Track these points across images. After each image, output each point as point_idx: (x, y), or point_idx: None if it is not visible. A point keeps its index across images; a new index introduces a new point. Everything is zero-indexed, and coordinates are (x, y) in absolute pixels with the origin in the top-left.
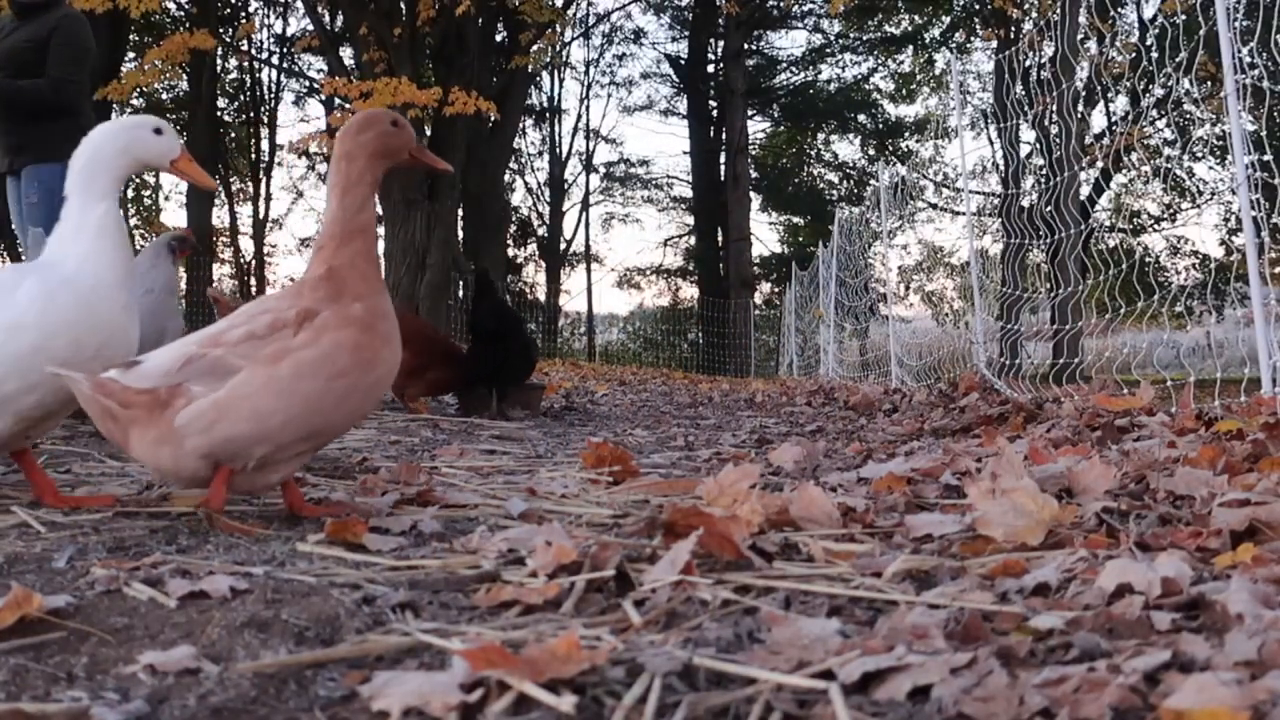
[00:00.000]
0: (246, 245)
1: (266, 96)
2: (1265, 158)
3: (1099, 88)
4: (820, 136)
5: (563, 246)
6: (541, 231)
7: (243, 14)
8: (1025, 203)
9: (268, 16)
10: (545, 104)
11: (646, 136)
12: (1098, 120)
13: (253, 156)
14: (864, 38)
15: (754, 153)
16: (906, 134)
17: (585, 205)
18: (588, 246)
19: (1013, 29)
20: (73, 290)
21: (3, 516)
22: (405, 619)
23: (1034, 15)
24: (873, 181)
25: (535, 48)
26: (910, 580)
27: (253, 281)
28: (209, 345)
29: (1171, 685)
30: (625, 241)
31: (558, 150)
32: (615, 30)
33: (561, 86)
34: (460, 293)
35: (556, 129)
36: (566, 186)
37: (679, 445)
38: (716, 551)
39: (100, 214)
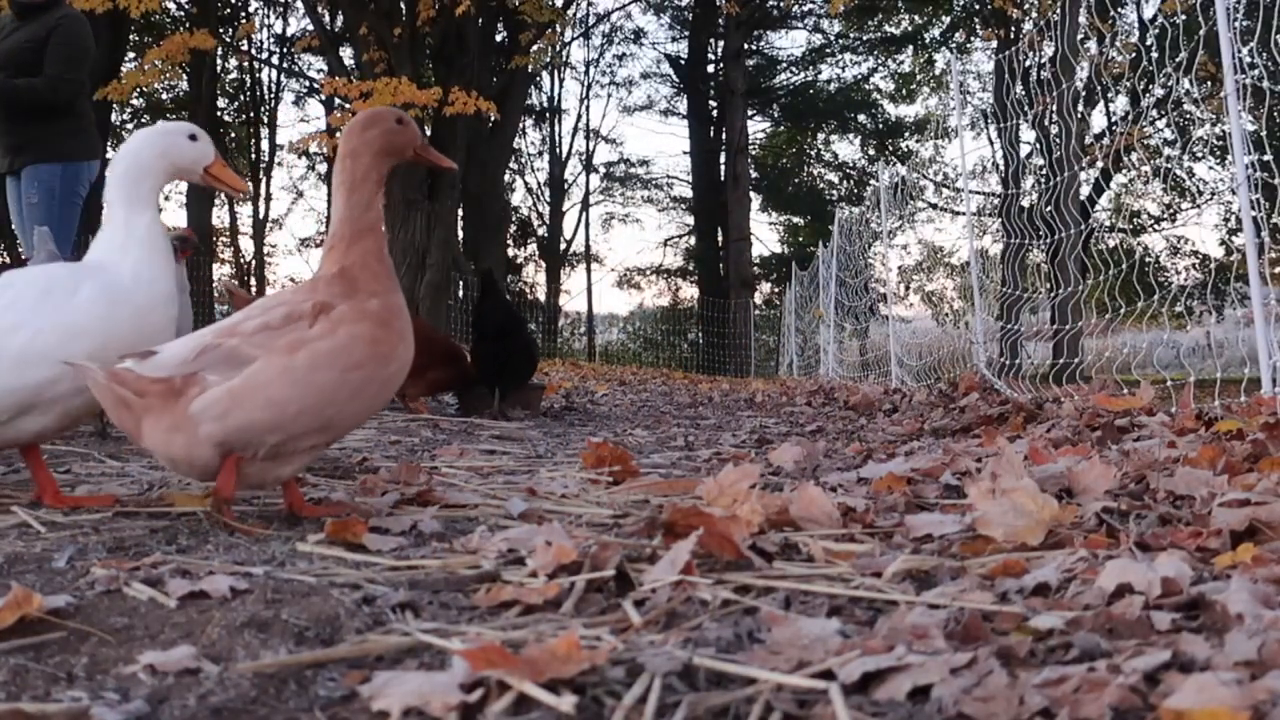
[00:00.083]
0: (246, 245)
1: (266, 96)
2: (1265, 158)
3: (1099, 88)
4: (820, 136)
5: (563, 246)
6: (541, 231)
7: (243, 14)
8: (1025, 203)
9: (268, 16)
10: (545, 104)
11: (646, 136)
12: (1098, 120)
13: (253, 156)
14: (864, 38)
15: (754, 153)
16: (906, 134)
17: (585, 205)
18: (588, 246)
19: (1013, 29)
20: (130, 300)
21: (3, 516)
22: (405, 619)
23: (1034, 15)
24: (873, 181)
25: (535, 48)
26: (910, 580)
27: (253, 281)
28: (224, 336)
29: (1171, 685)
30: (625, 241)
31: (558, 150)
32: (615, 30)
33: (561, 86)
34: (460, 293)
35: (556, 129)
36: (566, 186)
37: (679, 445)
38: (716, 551)
39: (147, 223)
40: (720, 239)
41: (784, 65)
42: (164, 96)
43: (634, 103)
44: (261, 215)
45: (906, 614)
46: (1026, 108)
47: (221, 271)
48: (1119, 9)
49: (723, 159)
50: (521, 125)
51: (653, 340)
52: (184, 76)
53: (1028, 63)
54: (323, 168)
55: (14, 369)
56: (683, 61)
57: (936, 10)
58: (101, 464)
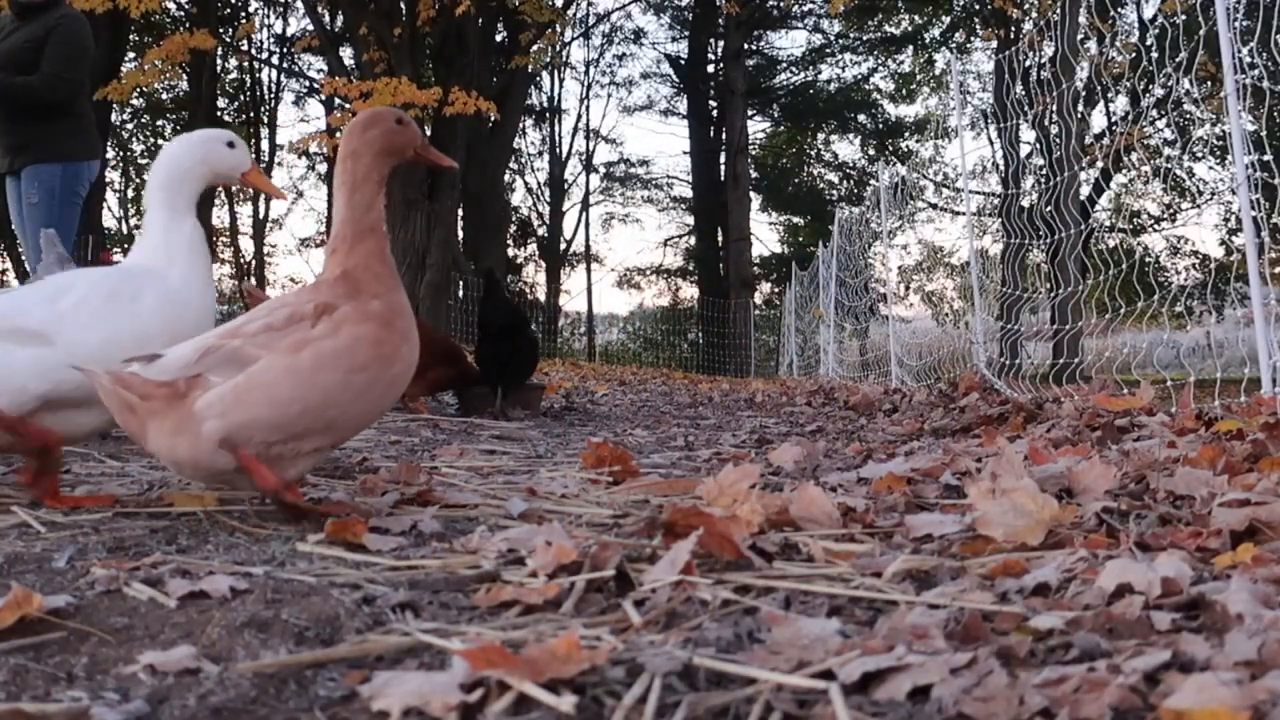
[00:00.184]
0: (246, 245)
1: (266, 96)
2: (1265, 158)
3: (1099, 88)
4: (820, 136)
5: (563, 246)
6: (541, 231)
7: (243, 14)
8: (1025, 203)
9: (268, 16)
10: (545, 104)
11: (646, 136)
12: (1098, 120)
13: (253, 156)
14: (864, 38)
15: (754, 153)
16: (906, 134)
17: (585, 205)
18: (588, 246)
19: (1013, 29)
20: (186, 306)
21: (3, 516)
22: (405, 619)
23: (1034, 15)
24: (873, 181)
25: (535, 48)
26: (910, 580)
27: (253, 282)
28: (227, 337)
29: (1171, 685)
30: (625, 241)
31: (558, 150)
32: (615, 30)
33: (561, 86)
34: (460, 293)
35: (556, 129)
36: (566, 186)
37: (679, 445)
38: (716, 551)
39: (190, 230)
40: (720, 239)
41: (784, 65)
42: (164, 96)
43: (634, 103)
44: (261, 215)
45: (906, 614)
46: (1026, 108)
47: (221, 272)
48: (1119, 9)
49: (723, 159)
50: (521, 125)
51: (653, 340)
52: (184, 76)
53: (1028, 63)
54: (323, 168)
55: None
56: (683, 61)
57: (936, 10)
58: (101, 464)
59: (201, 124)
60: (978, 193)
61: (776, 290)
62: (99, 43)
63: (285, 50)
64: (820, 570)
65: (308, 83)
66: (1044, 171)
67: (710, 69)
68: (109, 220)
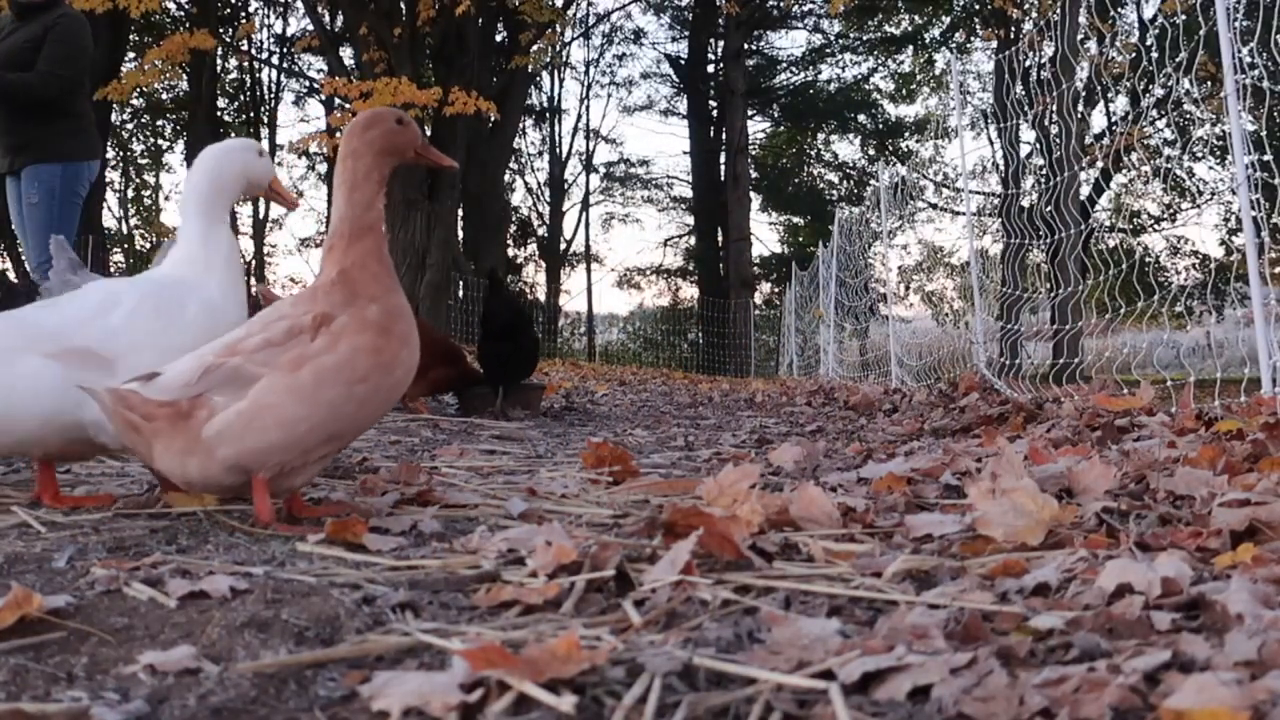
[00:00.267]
0: (246, 245)
1: (266, 96)
2: (1265, 158)
3: (1099, 88)
4: (820, 136)
5: (563, 246)
6: (541, 231)
7: (243, 14)
8: (1025, 203)
9: (268, 16)
10: (545, 104)
11: (646, 136)
12: (1098, 120)
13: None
14: (864, 38)
15: (754, 153)
16: (906, 134)
17: (585, 205)
18: (588, 246)
19: (1013, 29)
20: (226, 317)
21: (3, 516)
22: (405, 619)
23: (1034, 15)
24: (873, 181)
25: (535, 48)
26: (910, 580)
27: (252, 281)
28: (226, 354)
29: (1171, 685)
30: (625, 241)
31: (558, 150)
32: (615, 30)
33: (561, 86)
34: (460, 293)
35: (556, 129)
36: (566, 186)
37: (679, 445)
38: (716, 551)
39: (226, 239)
40: (720, 239)
41: (784, 65)
42: (164, 96)
43: (634, 103)
44: (261, 215)
45: (906, 614)
46: (1026, 108)
47: None
48: (1119, 9)
49: (723, 159)
50: (521, 125)
51: (653, 340)
52: (184, 76)
53: (1028, 63)
54: (323, 168)
55: None
56: (683, 61)
57: (936, 10)
58: (101, 464)
59: (201, 124)
60: (978, 193)
61: (776, 290)
62: (99, 43)
63: (285, 50)
64: (820, 570)
65: (308, 83)
66: (1044, 171)
67: (710, 69)
68: (109, 220)
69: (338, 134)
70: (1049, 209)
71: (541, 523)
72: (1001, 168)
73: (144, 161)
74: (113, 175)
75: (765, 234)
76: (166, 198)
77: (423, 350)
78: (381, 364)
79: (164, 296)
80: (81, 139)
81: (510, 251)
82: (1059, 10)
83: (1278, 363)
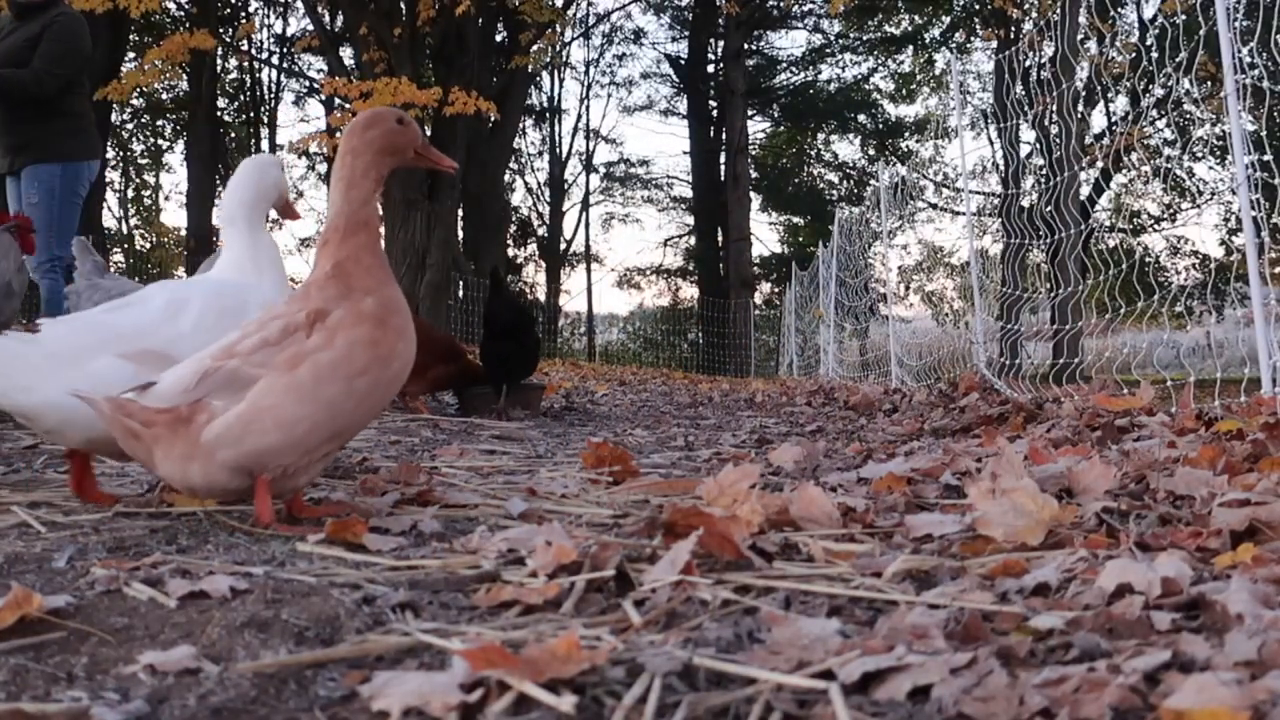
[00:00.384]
0: None
1: (266, 96)
2: (1265, 158)
3: (1099, 88)
4: (820, 136)
5: (563, 246)
6: (541, 231)
7: (243, 14)
8: (1025, 203)
9: (268, 16)
10: (545, 104)
11: (646, 136)
12: (1098, 120)
13: None
14: (864, 38)
15: (754, 153)
16: (906, 134)
17: (585, 205)
18: (588, 246)
19: (1013, 29)
20: None
21: (3, 516)
22: (405, 619)
23: (1034, 15)
24: (873, 181)
25: (535, 48)
26: (910, 580)
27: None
28: (223, 357)
29: (1171, 685)
30: (625, 241)
31: (558, 150)
32: (615, 30)
33: (561, 86)
34: (460, 293)
35: (556, 129)
36: (566, 186)
37: (679, 445)
38: (716, 551)
39: (270, 243)
40: (720, 239)
41: (784, 65)
42: (164, 96)
43: (634, 103)
44: None
45: (906, 614)
46: (1026, 108)
47: None
48: (1119, 9)
49: (723, 159)
50: (521, 125)
51: (653, 340)
52: (184, 76)
53: (1028, 63)
54: (323, 168)
55: None
56: (683, 61)
57: (936, 10)
58: (101, 464)
59: (201, 124)
60: (978, 193)
61: (776, 290)
62: (99, 43)
63: (285, 50)
64: (820, 570)
65: (308, 83)
66: (1044, 171)
67: (710, 69)
68: (109, 220)
69: (338, 134)
70: (1049, 209)
71: (541, 523)
72: (1001, 168)
73: (144, 161)
74: (113, 175)
75: (765, 234)
76: (166, 198)
77: (422, 348)
78: (379, 357)
79: (227, 299)
80: (81, 139)
81: (510, 251)
82: (1059, 10)
83: (1278, 363)
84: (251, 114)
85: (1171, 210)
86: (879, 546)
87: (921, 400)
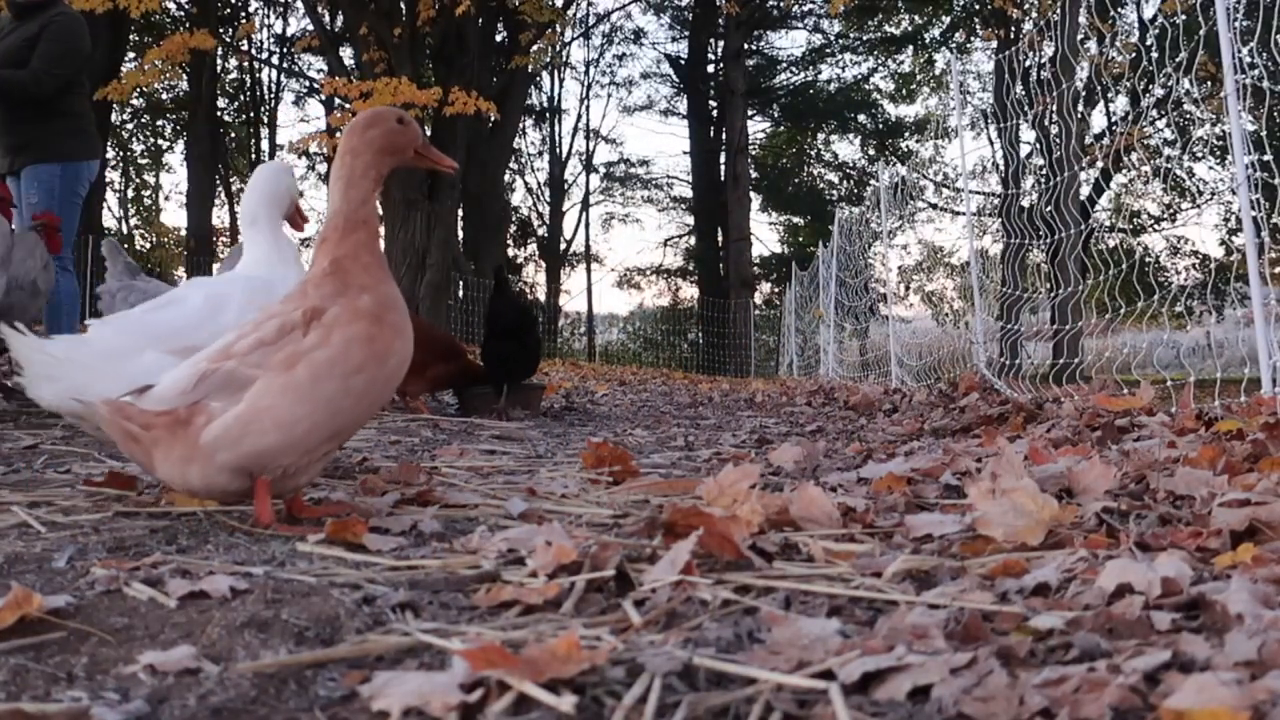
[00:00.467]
0: None
1: (266, 96)
2: (1265, 158)
3: (1099, 88)
4: (820, 136)
5: (563, 246)
6: (541, 231)
7: (243, 14)
8: (1025, 203)
9: (268, 16)
10: (545, 104)
11: (646, 136)
12: (1098, 120)
13: (253, 156)
14: (864, 38)
15: (754, 153)
16: (906, 134)
17: (585, 205)
18: (588, 246)
19: (1013, 29)
20: None
21: (3, 516)
22: (405, 619)
23: (1034, 15)
24: (873, 181)
25: (535, 48)
26: (910, 580)
27: None
28: (220, 359)
29: (1171, 685)
30: (625, 241)
31: (558, 150)
32: (615, 30)
33: (561, 86)
34: (460, 293)
35: (556, 129)
36: (566, 186)
37: (679, 445)
38: (716, 551)
39: (289, 241)
40: (720, 239)
41: (784, 65)
42: (164, 96)
43: (634, 103)
44: None
45: (906, 614)
46: (1026, 108)
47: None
48: (1119, 9)
49: (723, 159)
50: (521, 125)
51: (653, 340)
52: (184, 76)
53: (1028, 63)
54: (323, 168)
55: None
56: (683, 61)
57: (936, 10)
58: (101, 464)
59: (201, 124)
60: (978, 193)
61: (776, 290)
62: (99, 43)
63: (285, 50)
64: (820, 570)
65: (308, 83)
66: (1044, 171)
67: (710, 69)
68: (109, 220)
69: (338, 134)
70: (1049, 209)
71: (541, 523)
72: (1001, 168)
73: (144, 161)
74: (113, 175)
75: (765, 234)
76: (166, 198)
77: (421, 347)
78: (375, 354)
79: (261, 294)
80: (81, 139)
81: (510, 251)
82: (1059, 10)
83: (1278, 363)
84: (251, 114)
85: (1171, 210)
86: (879, 546)
87: (921, 400)
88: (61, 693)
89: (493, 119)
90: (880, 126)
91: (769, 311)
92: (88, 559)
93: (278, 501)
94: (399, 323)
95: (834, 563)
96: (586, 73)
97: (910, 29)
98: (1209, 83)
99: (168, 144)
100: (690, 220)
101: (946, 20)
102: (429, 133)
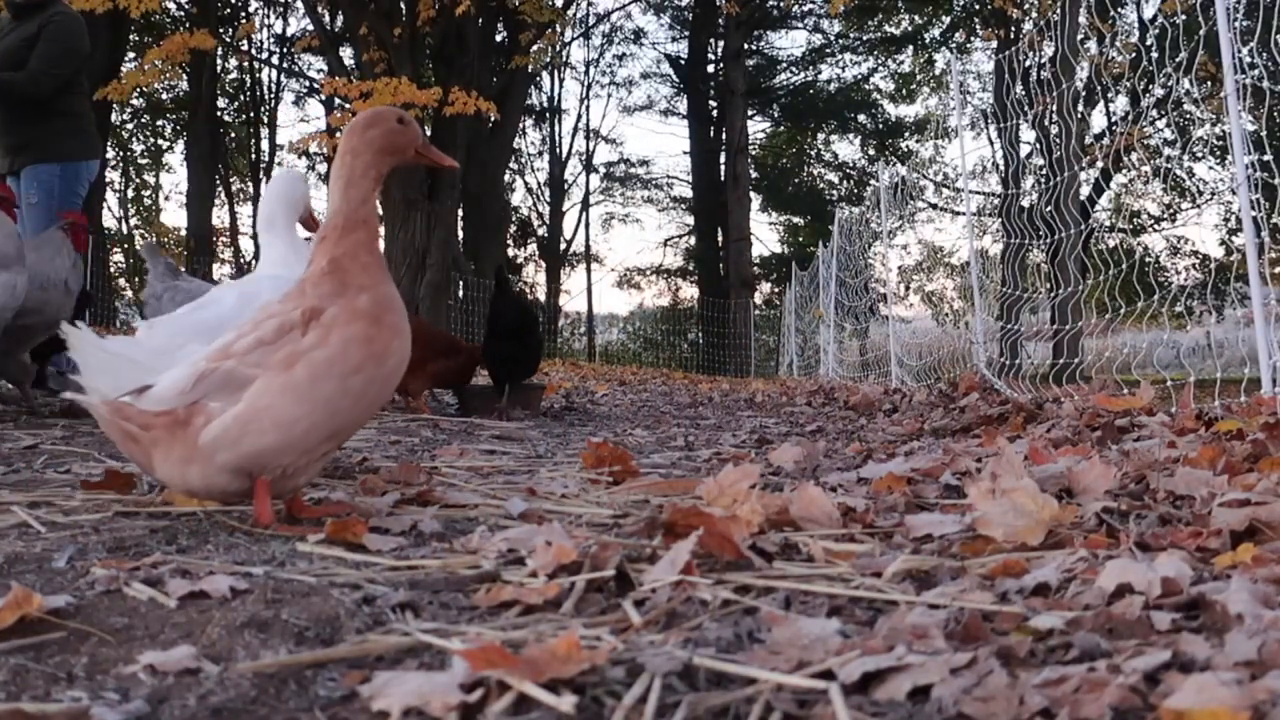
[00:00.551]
0: (247, 245)
1: (266, 96)
2: (1265, 158)
3: (1099, 88)
4: (820, 136)
5: (563, 246)
6: (541, 231)
7: (243, 14)
8: (1025, 203)
9: (268, 16)
10: (545, 104)
11: (646, 136)
12: (1098, 120)
13: (253, 156)
14: (864, 38)
15: (754, 153)
16: (906, 134)
17: (585, 205)
18: (588, 246)
19: (1013, 29)
20: None
21: (3, 516)
22: (405, 619)
23: (1034, 15)
24: (873, 181)
25: (535, 48)
26: (910, 580)
27: None
28: (219, 358)
29: (1171, 685)
30: (625, 241)
31: (558, 150)
32: (615, 30)
33: (561, 86)
34: (460, 293)
35: (556, 129)
36: (566, 186)
37: (679, 445)
38: (716, 551)
39: (304, 244)
40: (720, 239)
41: (784, 65)
42: (164, 96)
43: (634, 103)
44: None
45: (906, 614)
46: (1026, 108)
47: (221, 271)
48: (1119, 9)
49: (723, 159)
50: (521, 125)
51: (653, 340)
52: (184, 76)
53: (1028, 63)
54: (323, 168)
55: None
56: (683, 61)
57: (936, 10)
58: (102, 464)
59: (201, 124)
60: (978, 193)
61: (776, 290)
62: (99, 43)
63: (285, 50)
64: (820, 570)
65: (308, 83)
66: (1044, 171)
67: (710, 69)
68: (109, 220)
69: (338, 134)
70: (1049, 209)
71: (541, 523)
72: (1001, 168)
73: (144, 161)
74: (113, 175)
75: (765, 234)
76: (166, 198)
77: (419, 344)
78: (374, 354)
79: (284, 290)
80: (80, 139)
81: (510, 251)
82: (1059, 10)
83: (1278, 363)
84: (251, 114)
85: (1171, 210)
86: (879, 546)
87: (921, 400)
88: (61, 693)
89: (493, 119)
90: (880, 126)
91: (769, 311)
92: (88, 559)
93: (277, 501)
94: (397, 323)
95: (834, 563)
96: (586, 73)
97: (910, 29)
98: (1209, 83)
99: (168, 144)
100: (690, 220)
101: (946, 20)
102: (429, 133)
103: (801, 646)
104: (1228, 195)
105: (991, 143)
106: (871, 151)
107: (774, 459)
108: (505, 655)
